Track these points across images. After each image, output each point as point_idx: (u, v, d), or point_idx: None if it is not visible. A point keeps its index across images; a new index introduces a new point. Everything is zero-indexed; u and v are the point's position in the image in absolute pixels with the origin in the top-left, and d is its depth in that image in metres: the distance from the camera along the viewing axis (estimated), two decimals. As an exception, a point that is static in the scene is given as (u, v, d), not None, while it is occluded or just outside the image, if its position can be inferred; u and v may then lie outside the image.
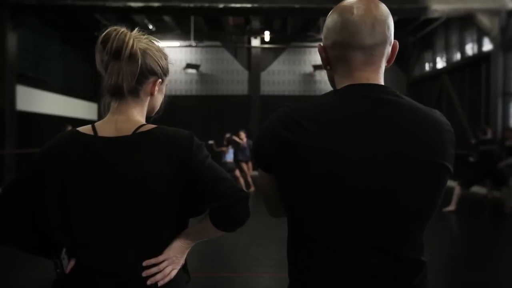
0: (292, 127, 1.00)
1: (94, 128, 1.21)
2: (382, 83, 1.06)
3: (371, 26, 1.02)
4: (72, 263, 1.16)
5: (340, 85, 1.08)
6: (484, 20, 10.24)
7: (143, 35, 1.24)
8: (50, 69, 12.94)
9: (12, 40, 10.11)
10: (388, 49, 1.06)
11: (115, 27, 1.18)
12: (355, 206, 0.97)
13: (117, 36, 1.16)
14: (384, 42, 1.04)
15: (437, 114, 1.04)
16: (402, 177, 0.97)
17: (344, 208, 0.97)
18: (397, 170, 0.97)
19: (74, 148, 1.17)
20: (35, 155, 1.21)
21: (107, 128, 1.20)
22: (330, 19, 1.08)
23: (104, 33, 1.18)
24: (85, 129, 1.21)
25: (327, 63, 1.11)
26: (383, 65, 1.08)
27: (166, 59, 1.27)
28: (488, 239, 6.21)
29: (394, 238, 0.99)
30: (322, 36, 1.12)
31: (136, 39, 1.19)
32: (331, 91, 1.09)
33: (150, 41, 1.25)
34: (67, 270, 1.16)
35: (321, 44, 1.11)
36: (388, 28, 1.04)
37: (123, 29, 1.18)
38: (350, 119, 0.99)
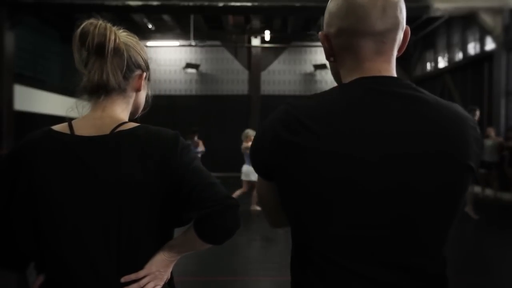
0: (294, 128, 0.87)
1: (70, 126, 1.09)
2: (395, 74, 0.94)
3: (382, 9, 0.89)
4: (40, 279, 1.03)
5: (347, 78, 0.95)
6: (487, 19, 10.13)
7: (119, 29, 1.14)
8: (48, 69, 12.87)
9: (9, 39, 10.05)
10: (400, 35, 0.94)
11: (91, 21, 1.07)
12: (374, 216, 0.85)
13: (97, 31, 1.05)
14: (396, 27, 0.92)
15: (460, 109, 0.91)
16: (423, 179, 0.85)
17: (362, 219, 0.85)
18: (417, 171, 0.85)
19: (46, 149, 1.05)
20: (2, 158, 1.09)
21: (85, 126, 1.09)
22: (334, 3, 0.95)
23: (81, 28, 1.06)
24: (61, 127, 1.10)
25: (331, 54, 0.98)
26: (395, 54, 0.95)
27: (146, 53, 1.19)
28: (492, 241, 6.10)
29: (415, 251, 0.87)
30: (324, 23, 0.98)
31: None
32: (338, 86, 0.96)
33: (129, 34, 1.17)
34: None
35: (323, 32, 0.97)
36: (401, 11, 0.92)
37: (101, 22, 1.07)
38: (362, 117, 0.86)
